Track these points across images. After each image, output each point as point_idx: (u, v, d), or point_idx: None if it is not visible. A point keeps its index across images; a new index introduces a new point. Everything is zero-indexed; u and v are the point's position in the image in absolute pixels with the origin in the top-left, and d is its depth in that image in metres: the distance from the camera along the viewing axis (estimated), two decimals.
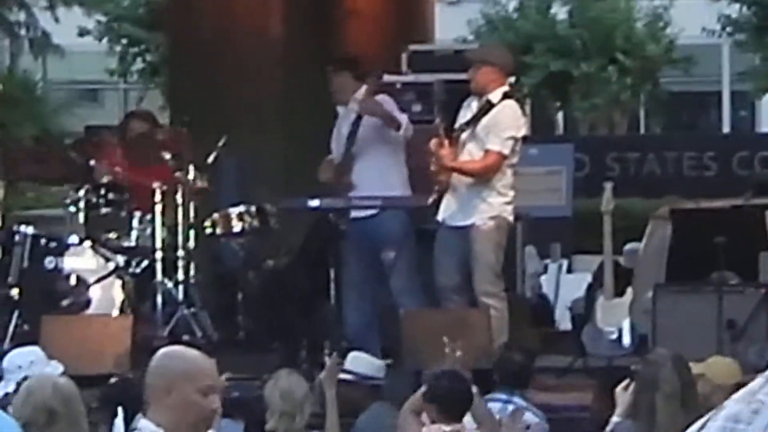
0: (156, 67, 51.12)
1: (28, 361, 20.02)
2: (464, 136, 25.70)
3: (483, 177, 25.55)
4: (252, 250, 27.16)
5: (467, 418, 19.80)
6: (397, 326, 24.94)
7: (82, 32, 66.39)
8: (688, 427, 16.05)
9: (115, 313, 25.47)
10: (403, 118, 26.71)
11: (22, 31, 58.45)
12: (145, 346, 23.13)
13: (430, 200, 25.97)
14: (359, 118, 26.34)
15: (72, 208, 27.03)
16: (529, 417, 21.06)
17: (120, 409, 16.76)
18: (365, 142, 26.56)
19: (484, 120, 25.34)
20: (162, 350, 12.71)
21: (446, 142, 25.72)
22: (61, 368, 18.94)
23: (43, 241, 26.25)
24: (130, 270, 26.08)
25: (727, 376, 19.57)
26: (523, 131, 26.80)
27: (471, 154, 25.49)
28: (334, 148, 26.98)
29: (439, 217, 25.75)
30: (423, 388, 19.71)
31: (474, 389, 20.00)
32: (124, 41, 64.68)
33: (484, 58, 26.56)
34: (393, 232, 26.36)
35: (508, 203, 25.82)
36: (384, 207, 26.50)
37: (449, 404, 19.34)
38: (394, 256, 26.02)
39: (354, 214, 26.61)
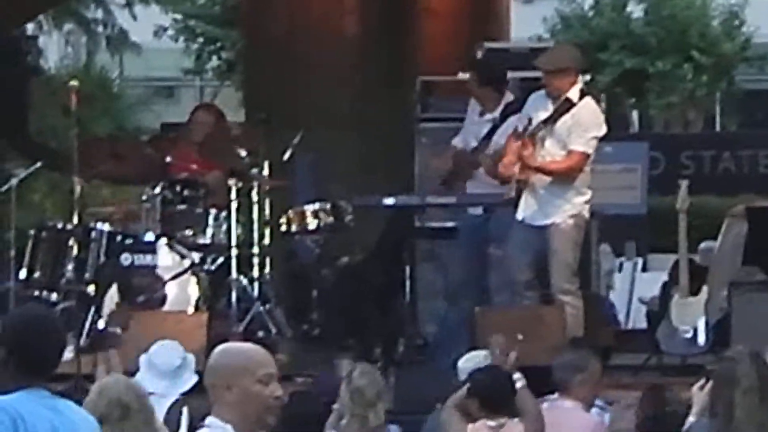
0: (232, 64, 50.72)
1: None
2: (542, 134, 25.48)
3: (567, 177, 25.50)
4: (327, 247, 26.67)
5: None
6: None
7: (159, 30, 66.56)
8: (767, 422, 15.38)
9: (191, 309, 25.35)
10: None
11: (99, 29, 57.81)
12: (220, 343, 22.05)
13: (509, 197, 25.96)
14: (496, 127, 26.62)
15: (148, 205, 26.87)
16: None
17: (185, 409, 17.13)
18: (494, 147, 26.49)
19: (565, 118, 25.25)
20: (216, 349, 11.70)
21: (528, 141, 25.41)
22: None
23: (119, 238, 26.08)
24: (205, 267, 25.90)
25: None
26: (603, 129, 26.37)
27: (551, 153, 25.31)
28: (460, 143, 27.29)
29: (519, 216, 25.58)
30: (467, 385, 19.56)
31: (521, 383, 19.92)
32: (200, 39, 64.72)
33: (557, 66, 26.33)
34: (502, 230, 26.24)
35: (586, 202, 25.76)
36: (469, 204, 27.06)
37: (491, 399, 19.34)
38: (504, 254, 26.17)
39: (471, 211, 27.02)
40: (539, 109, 25.54)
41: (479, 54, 29.99)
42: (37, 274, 26.06)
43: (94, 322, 24.40)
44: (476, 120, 26.51)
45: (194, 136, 28.06)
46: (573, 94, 25.48)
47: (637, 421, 19.65)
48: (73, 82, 33.19)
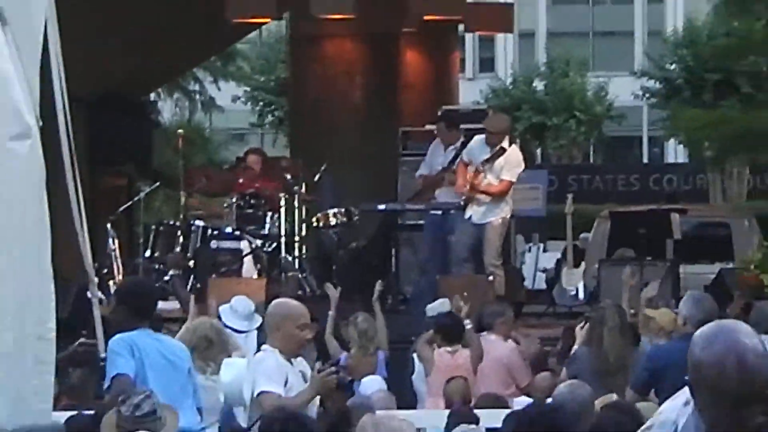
0: (282, 119, 51.24)
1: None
2: (485, 167, 27.55)
3: (500, 195, 27.69)
4: (342, 237, 28.30)
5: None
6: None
7: (235, 98, 69.79)
8: (624, 350, 18.75)
9: (255, 277, 26.52)
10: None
11: (197, 96, 61.38)
12: (273, 299, 18.67)
13: (460, 204, 28.04)
14: (455, 158, 28.43)
15: (227, 209, 27.97)
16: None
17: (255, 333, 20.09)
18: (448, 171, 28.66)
19: (500, 160, 27.40)
20: (273, 301, 15.57)
21: (477, 173, 27.78)
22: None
23: (209, 230, 27.27)
24: (265, 249, 27.05)
25: (668, 321, 20.08)
26: (522, 166, 28.39)
27: (490, 181, 27.51)
28: (425, 170, 29.26)
29: (466, 216, 27.82)
30: (434, 325, 21.13)
31: (468, 324, 21.04)
32: (261, 103, 67.45)
33: (498, 129, 28.43)
34: (455, 225, 28.31)
35: (509, 208, 28.00)
36: (440, 209, 28.87)
37: (449, 334, 20.50)
38: (455, 240, 28.15)
39: (434, 212, 28.96)
40: (482, 151, 27.83)
41: (440, 112, 31.68)
42: (156, 254, 27.07)
43: (194, 285, 25.25)
44: (442, 153, 28.58)
45: (250, 167, 28.86)
46: (505, 144, 27.64)
47: (559, 350, 21.45)
48: (180, 131, 34.47)
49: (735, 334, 6.44)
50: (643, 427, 6.67)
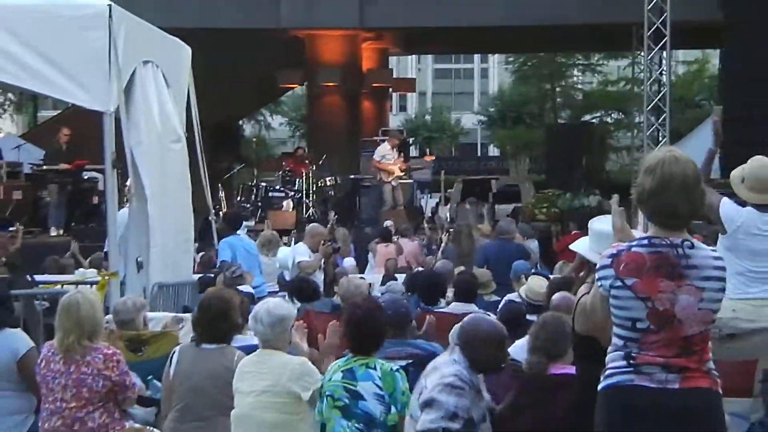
0: (303, 134, 46.73)
1: None
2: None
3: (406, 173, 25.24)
4: (333, 192, 25.28)
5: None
6: None
7: (280, 123, 58.79)
8: (470, 246, 17.05)
9: (290, 210, 23.75)
10: None
11: (261, 122, 53.37)
12: (298, 222, 22.38)
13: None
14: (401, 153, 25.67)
15: (277, 177, 25.82)
16: None
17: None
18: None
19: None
20: (309, 225, 15.51)
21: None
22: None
23: (268, 188, 24.81)
24: (296, 197, 24.22)
25: (488, 231, 19.30)
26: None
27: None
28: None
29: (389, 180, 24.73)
30: None
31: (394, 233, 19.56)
32: (293, 126, 57.46)
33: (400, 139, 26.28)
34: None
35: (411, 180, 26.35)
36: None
37: (385, 237, 18.58)
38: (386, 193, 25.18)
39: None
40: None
41: (380, 131, 30.29)
42: (242, 199, 24.87)
43: (261, 214, 23.10)
44: (389, 150, 24.60)
45: (288, 158, 27.07)
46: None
47: (436, 247, 19.04)
48: (254, 140, 33.96)
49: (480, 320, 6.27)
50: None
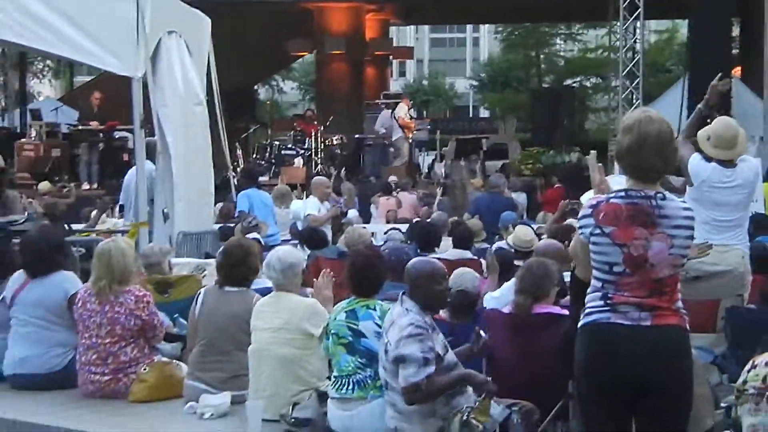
0: (313, 97, 44.69)
1: None
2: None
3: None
4: (340, 149, 24.91)
5: None
6: None
7: (292, 87, 57.60)
8: (464, 199, 17.33)
9: (301, 166, 22.99)
10: None
11: (275, 86, 52.78)
12: (308, 177, 20.55)
13: None
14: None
15: (289, 136, 25.69)
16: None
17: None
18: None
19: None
20: (314, 177, 15.71)
21: None
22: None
23: (281, 145, 24.50)
24: (306, 154, 23.95)
25: (480, 185, 19.45)
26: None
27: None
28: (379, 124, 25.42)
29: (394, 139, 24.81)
30: None
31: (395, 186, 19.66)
32: (304, 90, 56.57)
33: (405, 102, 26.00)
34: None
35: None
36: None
37: (386, 191, 18.57)
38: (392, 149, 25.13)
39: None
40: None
41: (382, 95, 29.63)
42: (257, 156, 24.66)
43: (276, 168, 22.93)
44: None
45: (299, 119, 26.54)
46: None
47: (433, 200, 18.60)
48: (268, 102, 34.07)
49: None
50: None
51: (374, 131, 25.32)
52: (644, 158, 4.47)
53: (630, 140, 4.47)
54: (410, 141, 24.54)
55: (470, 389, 6.00)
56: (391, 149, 24.77)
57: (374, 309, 6.27)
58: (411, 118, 25.89)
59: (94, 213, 13.87)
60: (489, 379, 5.96)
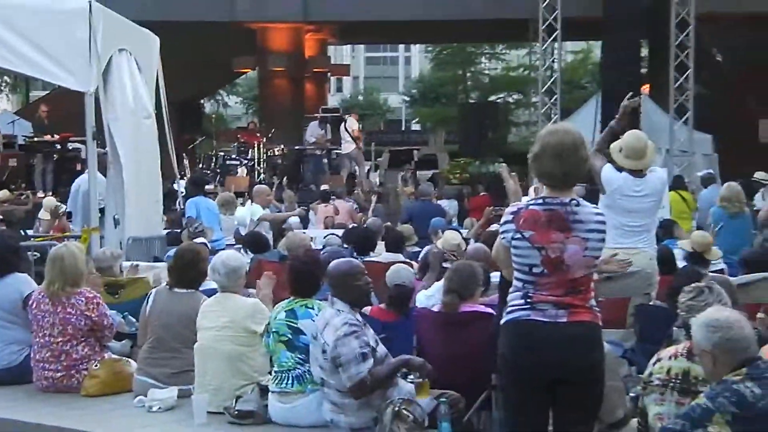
0: (256, 111, 44.01)
1: None
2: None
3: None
4: (281, 160, 24.09)
5: None
6: None
7: (236, 101, 55.67)
8: (397, 206, 16.77)
9: (245, 175, 22.63)
10: None
11: (220, 100, 51.66)
12: (251, 185, 20.42)
13: None
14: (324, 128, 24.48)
15: (234, 148, 25.32)
16: None
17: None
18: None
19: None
20: (255, 186, 15.68)
21: None
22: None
23: (226, 156, 24.08)
24: (249, 165, 23.39)
25: (410, 193, 18.82)
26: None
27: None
28: (311, 134, 24.51)
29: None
30: None
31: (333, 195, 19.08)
32: (247, 103, 54.24)
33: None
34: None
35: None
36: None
37: (324, 198, 17.92)
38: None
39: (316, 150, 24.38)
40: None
41: (321, 108, 27.04)
42: (203, 166, 24.06)
43: (221, 177, 22.48)
44: (319, 126, 23.94)
45: (243, 131, 25.78)
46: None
47: (369, 206, 18.66)
48: (213, 116, 33.42)
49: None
50: None
51: (306, 141, 24.68)
52: (545, 165, 4.53)
53: (535, 149, 4.56)
54: (362, 151, 24.10)
55: (401, 382, 6.05)
56: (347, 160, 24.17)
57: (312, 308, 6.28)
58: (360, 128, 25.48)
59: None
60: (425, 361, 6.03)
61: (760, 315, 6.42)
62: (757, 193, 14.40)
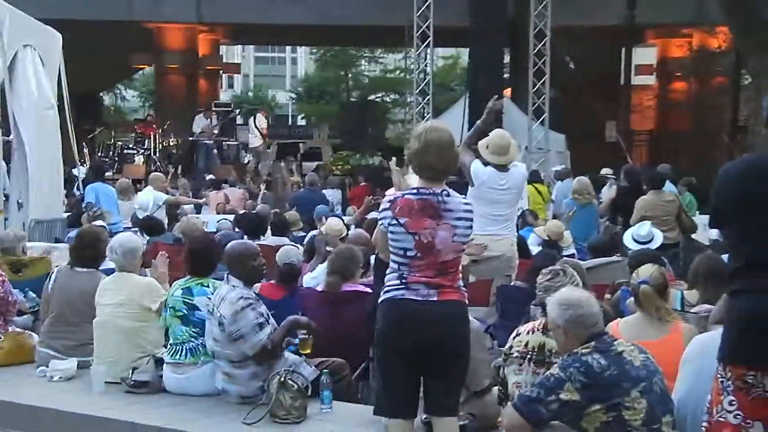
0: (152, 104, 44.18)
1: None
2: None
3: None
4: (176, 150, 24.06)
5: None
6: None
7: (134, 95, 51.98)
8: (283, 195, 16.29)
9: (141, 164, 22.73)
10: None
11: (118, 93, 48.49)
12: (148, 172, 19.81)
13: None
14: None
15: (131, 137, 25.33)
16: None
17: None
18: None
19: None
20: (151, 173, 15.45)
21: None
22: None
23: (124, 145, 24.23)
24: (145, 154, 23.40)
25: (296, 181, 19.21)
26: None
27: None
28: (199, 125, 24.31)
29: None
30: None
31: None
32: (145, 96, 50.14)
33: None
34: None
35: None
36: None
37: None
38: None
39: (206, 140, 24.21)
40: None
41: (213, 103, 27.99)
42: (101, 155, 23.52)
43: (119, 165, 22.34)
44: (204, 117, 24.01)
45: (140, 123, 25.92)
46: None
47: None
48: (112, 108, 32.41)
49: None
50: None
51: (194, 133, 24.50)
52: (427, 160, 4.57)
53: (417, 145, 4.59)
54: (267, 147, 23.84)
55: (286, 354, 6.09)
56: (250, 154, 23.95)
57: (208, 286, 6.31)
58: (268, 125, 25.19)
59: None
60: (309, 319, 6.14)
61: (607, 295, 6.61)
62: (604, 187, 14.61)
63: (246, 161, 26.85)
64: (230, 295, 5.93)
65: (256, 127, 23.83)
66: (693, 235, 10.71)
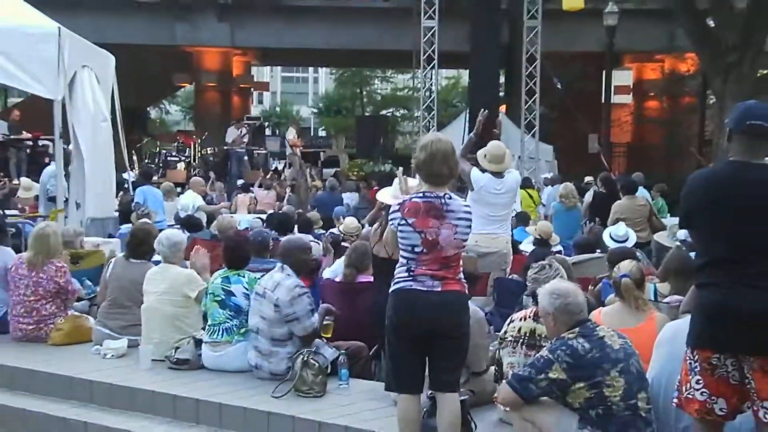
0: (196, 118, 45.11)
1: None
2: None
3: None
4: (212, 157, 23.71)
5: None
6: None
7: (176, 110, 51.50)
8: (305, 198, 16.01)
9: (183, 169, 22.60)
10: None
11: (163, 108, 47.23)
12: (187, 177, 18.90)
13: None
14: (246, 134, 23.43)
15: (174, 147, 24.65)
16: None
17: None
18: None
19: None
20: (192, 178, 15.23)
21: None
22: None
23: (167, 153, 24.01)
24: (186, 161, 23.04)
25: (317, 185, 18.95)
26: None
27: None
28: (232, 137, 23.05)
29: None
30: None
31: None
32: (185, 111, 50.77)
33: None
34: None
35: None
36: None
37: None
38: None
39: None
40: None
41: (245, 117, 26.72)
42: (148, 161, 23.61)
43: (163, 170, 21.79)
44: (236, 129, 22.96)
45: (181, 133, 26.62)
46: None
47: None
48: (158, 121, 32.37)
49: None
50: None
51: (227, 142, 23.98)
52: (435, 167, 4.55)
53: (425, 155, 4.56)
54: (298, 156, 23.21)
55: None
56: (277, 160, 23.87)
57: (243, 276, 6.37)
58: (298, 137, 24.96)
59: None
60: (330, 306, 6.25)
61: (590, 287, 6.60)
62: (587, 192, 14.65)
63: (273, 167, 26.94)
64: (287, 282, 5.95)
65: (285, 139, 23.54)
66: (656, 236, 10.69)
